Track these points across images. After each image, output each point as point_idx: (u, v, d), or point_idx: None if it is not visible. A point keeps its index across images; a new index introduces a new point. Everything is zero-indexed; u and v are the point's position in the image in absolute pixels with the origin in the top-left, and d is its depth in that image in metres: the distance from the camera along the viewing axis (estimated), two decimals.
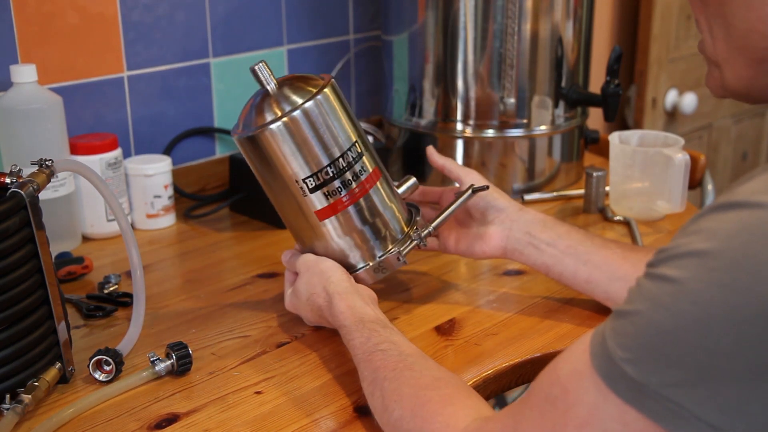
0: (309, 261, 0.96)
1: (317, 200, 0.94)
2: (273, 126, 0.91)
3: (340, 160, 0.93)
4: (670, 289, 0.54)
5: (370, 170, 0.96)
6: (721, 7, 0.65)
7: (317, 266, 0.95)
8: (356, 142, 0.95)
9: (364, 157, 0.95)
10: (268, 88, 0.94)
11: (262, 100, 0.94)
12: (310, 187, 0.93)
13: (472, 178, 1.04)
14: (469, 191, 1.00)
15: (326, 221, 0.95)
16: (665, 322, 0.54)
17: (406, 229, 0.99)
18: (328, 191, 0.93)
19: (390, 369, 0.79)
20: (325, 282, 0.93)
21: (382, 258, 0.97)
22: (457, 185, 1.07)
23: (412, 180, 1.03)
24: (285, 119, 0.91)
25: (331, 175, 0.93)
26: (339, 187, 0.94)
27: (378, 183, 0.97)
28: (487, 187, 1.02)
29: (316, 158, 0.92)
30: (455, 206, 1.00)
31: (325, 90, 0.93)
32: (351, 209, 0.95)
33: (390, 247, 0.98)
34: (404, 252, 0.97)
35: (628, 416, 0.55)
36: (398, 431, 0.75)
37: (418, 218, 1.01)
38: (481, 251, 1.03)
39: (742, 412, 0.52)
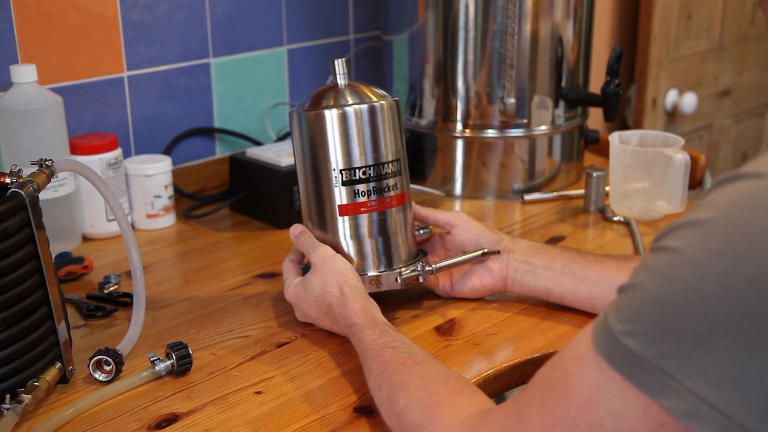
0: (327, 257, 0.96)
1: (344, 194, 0.97)
2: (331, 110, 0.96)
3: (380, 166, 0.97)
4: (669, 259, 0.54)
5: (401, 191, 0.99)
6: None
7: (335, 265, 0.95)
8: (399, 160, 0.99)
9: (400, 177, 0.99)
10: (339, 82, 0.99)
11: (328, 89, 0.99)
12: (344, 179, 0.96)
13: (461, 218, 1.04)
14: (479, 252, 1.02)
15: (344, 218, 0.97)
16: (662, 290, 0.54)
17: (410, 261, 1.02)
18: (357, 190, 0.97)
19: (399, 363, 0.80)
20: (342, 282, 0.93)
21: (382, 273, 0.99)
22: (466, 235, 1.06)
23: (429, 228, 1.07)
24: (343, 108, 0.96)
25: (366, 176, 0.97)
26: (369, 190, 0.97)
27: (403, 207, 1.00)
28: (498, 252, 1.02)
29: (359, 155, 0.96)
30: (462, 259, 1.02)
31: (383, 102, 0.98)
32: (371, 216, 0.98)
33: (394, 266, 0.99)
34: (404, 276, 0.99)
35: (628, 392, 0.55)
36: (403, 419, 0.75)
37: (423, 259, 1.03)
38: (482, 285, 1.03)
39: (736, 386, 0.52)
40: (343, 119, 0.96)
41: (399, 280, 0.99)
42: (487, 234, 1.03)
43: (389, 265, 0.99)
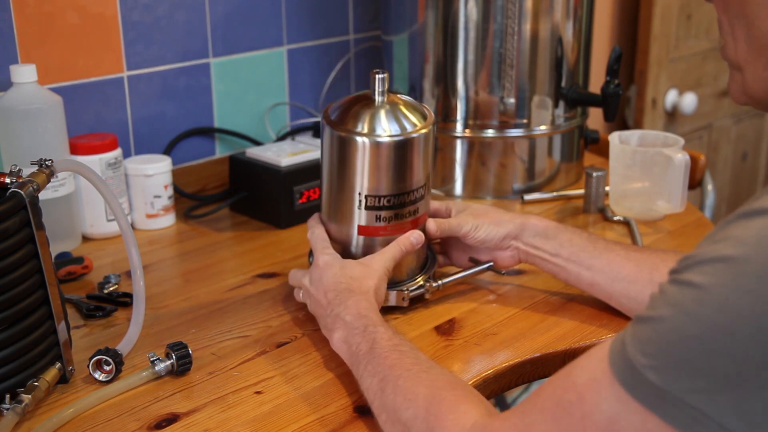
0: (335, 261, 0.96)
1: (366, 217, 0.97)
2: (363, 138, 0.93)
3: (405, 195, 0.96)
4: (695, 295, 0.54)
5: (421, 214, 1.00)
6: (742, 8, 0.65)
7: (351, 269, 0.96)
8: (425, 185, 0.99)
9: (423, 201, 0.99)
10: (377, 99, 0.95)
11: (364, 104, 0.96)
12: (367, 204, 0.96)
13: (466, 225, 1.04)
14: (489, 264, 1.04)
15: (361, 237, 0.98)
16: (690, 328, 0.53)
17: (419, 274, 1.04)
18: (379, 215, 0.97)
19: (405, 369, 0.79)
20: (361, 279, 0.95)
21: (390, 291, 0.99)
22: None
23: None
24: (376, 139, 0.93)
25: (390, 204, 0.96)
26: (391, 217, 0.97)
27: (418, 227, 1.01)
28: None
29: (386, 185, 0.95)
30: (469, 272, 1.05)
31: (423, 131, 0.95)
32: (388, 239, 0.98)
33: (402, 285, 1.01)
34: (409, 295, 1.00)
35: (650, 423, 0.55)
36: (409, 429, 0.74)
37: (432, 269, 1.05)
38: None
39: (766, 421, 0.52)
40: (376, 150, 0.93)
41: (404, 300, 1.00)
42: (494, 232, 1.03)
43: (398, 275, 1.01)
